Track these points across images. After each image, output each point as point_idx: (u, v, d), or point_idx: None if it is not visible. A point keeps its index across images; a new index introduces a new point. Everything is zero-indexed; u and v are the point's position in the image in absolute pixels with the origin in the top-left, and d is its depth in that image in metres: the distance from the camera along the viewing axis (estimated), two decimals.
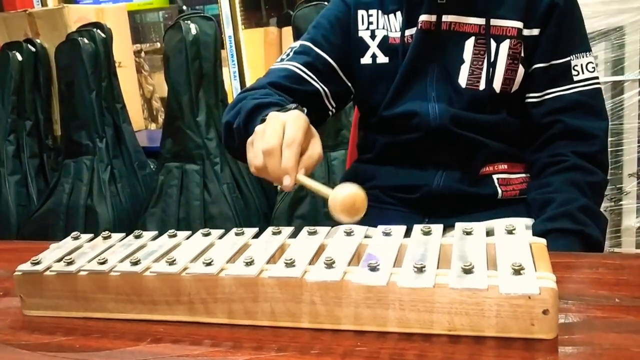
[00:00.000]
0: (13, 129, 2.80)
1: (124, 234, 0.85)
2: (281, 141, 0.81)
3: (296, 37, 2.32)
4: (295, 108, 0.91)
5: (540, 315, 0.59)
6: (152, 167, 2.77)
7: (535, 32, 1.11)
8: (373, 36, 1.18)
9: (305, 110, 0.92)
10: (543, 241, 0.71)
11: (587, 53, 1.12)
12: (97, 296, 0.74)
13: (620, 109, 2.03)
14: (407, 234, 0.75)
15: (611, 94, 2.03)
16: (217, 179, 2.45)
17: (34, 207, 2.72)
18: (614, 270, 0.77)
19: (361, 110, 1.32)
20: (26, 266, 0.76)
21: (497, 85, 1.11)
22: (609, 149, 1.16)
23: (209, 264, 0.70)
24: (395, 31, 1.16)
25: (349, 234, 0.76)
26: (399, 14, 1.16)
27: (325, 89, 1.18)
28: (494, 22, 1.11)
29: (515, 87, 1.13)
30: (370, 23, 1.19)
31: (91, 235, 0.86)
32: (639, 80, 2.01)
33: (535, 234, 0.99)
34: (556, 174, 1.08)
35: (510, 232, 0.72)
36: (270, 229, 0.80)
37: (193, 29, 2.46)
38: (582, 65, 1.11)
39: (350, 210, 0.72)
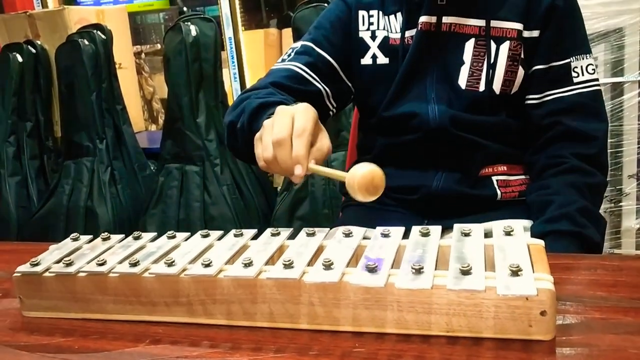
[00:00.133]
0: (13, 130, 2.81)
1: (123, 235, 0.85)
2: (291, 131, 0.81)
3: (296, 38, 2.32)
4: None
5: (537, 317, 0.59)
6: (152, 168, 2.78)
7: (535, 33, 1.11)
8: (373, 37, 1.18)
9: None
10: (541, 242, 0.71)
11: (587, 55, 1.12)
12: (96, 297, 0.74)
13: (620, 110, 2.03)
14: (406, 235, 0.75)
15: (611, 95, 2.03)
16: (217, 180, 2.45)
17: (34, 208, 2.72)
18: (612, 272, 0.77)
19: (361, 111, 1.32)
20: (25, 267, 0.76)
21: (497, 86, 1.12)
22: (608, 151, 1.16)
23: (207, 265, 0.70)
24: (396, 32, 1.16)
25: (347, 235, 0.76)
26: (399, 14, 1.16)
27: (327, 89, 1.18)
28: (494, 23, 1.11)
29: (515, 88, 1.13)
30: (370, 24, 1.19)
31: (90, 236, 0.86)
32: (638, 81, 2.01)
33: (534, 235, 1.00)
34: (555, 175, 1.08)
35: (508, 233, 0.72)
36: (269, 230, 0.80)
37: (193, 30, 2.46)
38: (582, 67, 1.11)
39: (369, 187, 0.71)
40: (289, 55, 1.19)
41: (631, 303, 0.68)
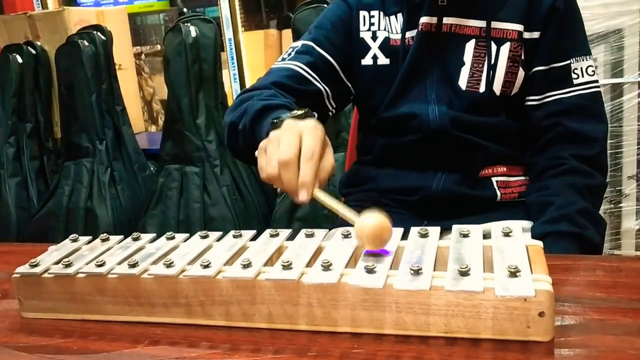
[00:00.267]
0: (13, 131, 2.81)
1: (122, 236, 0.85)
2: (298, 153, 0.79)
3: (296, 39, 2.30)
4: (306, 113, 0.89)
5: (536, 318, 0.59)
6: (152, 169, 2.78)
7: (536, 35, 1.11)
8: (374, 37, 1.18)
9: (316, 115, 0.91)
10: (539, 243, 0.71)
11: (587, 56, 1.12)
12: (95, 298, 0.74)
13: (620, 111, 2.03)
14: (406, 236, 0.75)
15: (610, 96, 2.03)
16: (216, 181, 2.45)
17: (34, 209, 2.72)
18: (611, 273, 0.77)
19: (361, 111, 1.32)
20: (24, 268, 0.76)
21: (497, 87, 1.12)
22: (608, 152, 1.16)
23: (206, 267, 0.70)
24: (396, 33, 1.16)
25: (346, 236, 0.76)
26: (400, 15, 1.16)
27: (327, 89, 1.18)
28: (494, 24, 1.11)
29: (515, 89, 1.13)
30: (371, 24, 1.19)
31: (89, 237, 0.86)
32: (638, 82, 2.01)
33: (534, 236, 1.00)
34: (555, 176, 1.08)
35: (506, 234, 0.72)
36: (267, 232, 0.80)
37: (193, 31, 2.47)
38: (582, 68, 1.11)
39: (376, 240, 0.71)
40: (290, 55, 1.19)
41: (630, 304, 0.68)
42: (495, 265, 0.64)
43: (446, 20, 1.12)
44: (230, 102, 2.64)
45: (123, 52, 3.05)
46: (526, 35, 1.10)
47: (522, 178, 1.16)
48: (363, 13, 1.19)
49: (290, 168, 0.79)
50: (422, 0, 1.13)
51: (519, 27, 1.10)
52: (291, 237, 0.79)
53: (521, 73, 1.12)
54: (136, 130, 2.94)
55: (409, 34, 1.15)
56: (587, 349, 0.59)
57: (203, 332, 0.69)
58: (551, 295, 0.59)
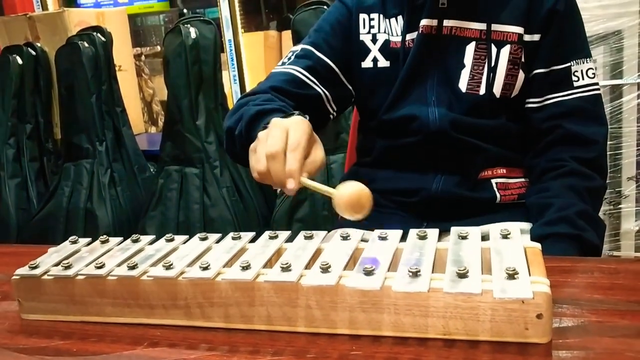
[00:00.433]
0: (13, 132, 2.81)
1: (121, 238, 0.85)
2: (285, 145, 0.82)
3: (296, 40, 2.32)
4: (297, 115, 0.91)
5: (534, 320, 0.59)
6: (151, 170, 2.78)
7: (536, 37, 1.11)
8: (374, 40, 1.18)
9: (307, 117, 0.92)
10: (538, 245, 0.71)
11: (588, 59, 1.12)
12: (94, 300, 0.74)
13: (619, 112, 2.03)
14: (405, 237, 0.75)
15: (610, 97, 2.03)
16: (216, 183, 2.45)
17: (34, 211, 2.72)
18: (609, 275, 0.77)
19: (361, 113, 1.32)
20: (24, 270, 0.76)
21: (497, 90, 1.12)
22: (607, 153, 1.16)
23: (205, 268, 0.70)
24: (397, 35, 1.16)
25: (345, 238, 0.76)
26: (400, 18, 1.16)
27: (327, 92, 1.18)
28: (495, 27, 1.11)
29: (515, 92, 1.13)
30: (371, 27, 1.19)
31: (89, 239, 0.86)
32: (637, 83, 2.01)
33: (533, 238, 0.99)
34: (555, 178, 1.09)
35: (505, 236, 0.72)
36: (267, 233, 0.80)
37: (193, 32, 2.47)
38: (582, 71, 1.11)
39: (355, 207, 0.72)
40: (289, 59, 1.20)
41: (628, 306, 0.68)
42: (494, 267, 0.64)
43: (446, 22, 1.12)
44: (230, 104, 2.65)
45: (123, 53, 3.05)
46: (526, 37, 1.11)
47: (522, 180, 1.16)
48: (363, 16, 1.19)
49: (277, 159, 0.81)
50: (422, 3, 1.13)
51: (519, 29, 1.10)
52: (290, 239, 0.79)
53: (521, 75, 1.12)
54: (136, 132, 2.94)
55: (409, 37, 1.15)
56: (585, 351, 0.59)
57: (202, 333, 0.69)
58: (549, 297, 0.59)
